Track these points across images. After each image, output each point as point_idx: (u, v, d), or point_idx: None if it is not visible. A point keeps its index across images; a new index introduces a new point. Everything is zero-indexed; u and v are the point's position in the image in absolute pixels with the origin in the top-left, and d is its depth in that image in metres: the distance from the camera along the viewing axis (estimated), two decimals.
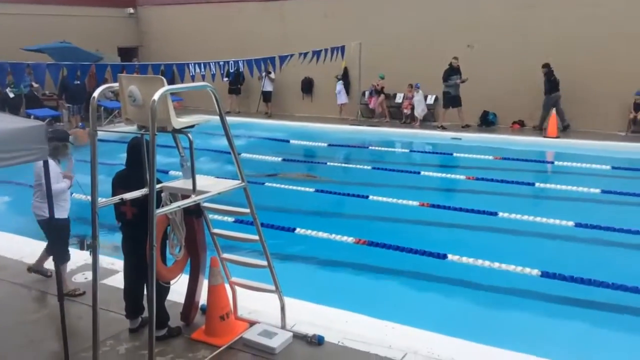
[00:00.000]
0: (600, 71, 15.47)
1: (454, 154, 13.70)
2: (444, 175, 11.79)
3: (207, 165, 11.63)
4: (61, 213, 5.72)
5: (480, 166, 12.53)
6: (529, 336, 5.41)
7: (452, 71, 16.67)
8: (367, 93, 19.05)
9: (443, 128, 16.78)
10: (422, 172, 11.89)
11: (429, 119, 18.10)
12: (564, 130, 15.77)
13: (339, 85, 19.18)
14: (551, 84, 15.87)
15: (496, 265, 6.77)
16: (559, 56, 15.85)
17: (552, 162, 13.22)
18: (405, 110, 18.11)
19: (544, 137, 15.16)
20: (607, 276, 6.36)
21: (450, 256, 7.04)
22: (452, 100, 16.83)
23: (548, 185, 10.64)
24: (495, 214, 8.70)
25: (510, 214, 8.63)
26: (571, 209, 9.16)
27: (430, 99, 18.23)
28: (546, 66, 15.85)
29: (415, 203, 9.39)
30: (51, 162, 5.24)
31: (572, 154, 12.97)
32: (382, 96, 18.58)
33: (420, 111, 17.58)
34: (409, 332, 5.08)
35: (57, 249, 5.55)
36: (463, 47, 17.24)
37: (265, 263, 4.85)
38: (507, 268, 6.70)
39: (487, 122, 16.95)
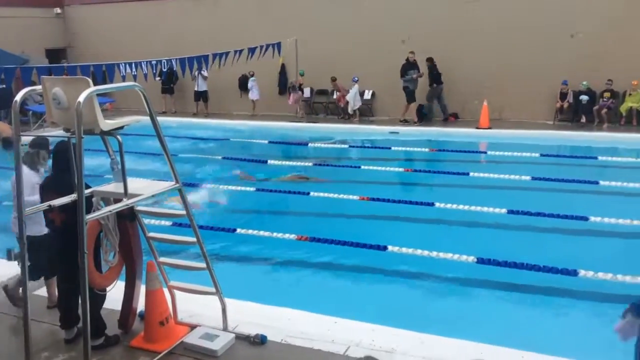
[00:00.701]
0: (529, 62, 16.08)
1: (392, 148, 13.93)
2: (383, 168, 11.95)
3: (150, 166, 11.29)
4: (39, 228, 5.17)
5: (417, 158, 12.81)
6: (467, 322, 5.57)
7: (410, 66, 16.80)
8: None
9: (406, 122, 16.88)
10: (362, 167, 12.04)
11: (367, 114, 18.32)
12: (445, 120, 17.01)
13: (251, 82, 19.26)
14: (434, 77, 16.83)
15: (434, 254, 6.93)
16: (491, 47, 16.40)
17: (485, 152, 13.64)
18: (340, 104, 18.27)
19: (477, 128, 15.64)
20: (539, 259, 6.63)
21: (390, 247, 7.15)
22: (412, 94, 16.96)
23: (481, 175, 10.96)
24: (432, 204, 8.91)
25: (446, 204, 8.86)
26: (504, 197, 9.47)
27: (368, 94, 18.45)
28: (430, 60, 16.74)
29: (356, 197, 9.49)
30: (27, 172, 4.96)
31: (504, 144, 13.42)
32: (300, 93, 18.74)
33: (352, 105, 17.76)
34: (351, 326, 5.13)
35: (33, 267, 4.92)
36: (398, 43, 17.53)
37: (204, 265, 4.78)
38: (444, 256, 6.88)
39: (422, 115, 17.30)
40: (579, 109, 15.67)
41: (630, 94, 15.30)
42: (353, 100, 17.70)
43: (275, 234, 7.77)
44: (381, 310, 5.79)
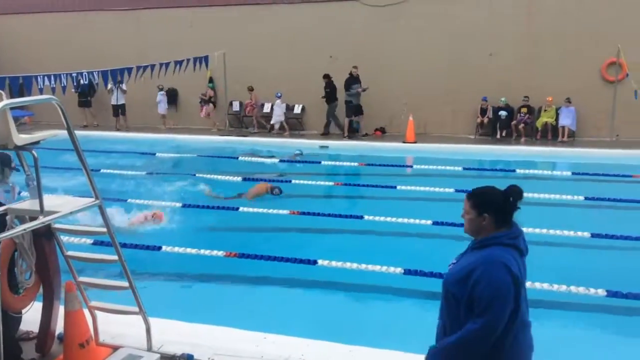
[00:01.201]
0: (451, 79, 16.73)
1: (322, 162, 14.05)
2: (312, 182, 12.01)
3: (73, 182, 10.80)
4: None
5: (346, 172, 12.98)
6: (395, 332, 5.65)
7: (353, 80, 16.93)
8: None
9: (349, 138, 17.02)
10: (293, 181, 12.04)
11: (297, 128, 18.42)
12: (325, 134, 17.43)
13: (160, 96, 19.10)
14: (328, 95, 17.14)
15: (363, 266, 7.00)
16: (415, 64, 16.94)
17: (411, 166, 14.01)
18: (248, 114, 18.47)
19: (403, 142, 16.04)
20: None
21: (320, 261, 7.16)
22: (354, 109, 17.10)
23: (408, 187, 11.23)
24: (362, 217, 9.04)
25: (375, 216, 9.01)
26: (429, 209, 9.74)
27: (298, 108, 18.56)
28: (326, 77, 17.06)
29: (286, 212, 9.47)
30: None
31: (428, 158, 13.85)
32: (211, 105, 18.74)
33: (276, 119, 17.83)
34: (281, 340, 5.09)
35: None
36: (326, 58, 17.78)
37: (126, 284, 4.61)
38: (373, 269, 6.96)
39: (352, 129, 17.56)
40: (498, 124, 16.42)
41: (545, 110, 16.20)
42: (276, 114, 17.82)
43: (202, 251, 7.61)
44: (311, 324, 5.78)
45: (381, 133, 17.59)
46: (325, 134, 17.55)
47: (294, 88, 17.99)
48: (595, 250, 7.78)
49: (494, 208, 3.00)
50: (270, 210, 9.52)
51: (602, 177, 11.75)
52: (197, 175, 12.36)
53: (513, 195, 3.01)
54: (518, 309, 2.89)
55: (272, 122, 18.01)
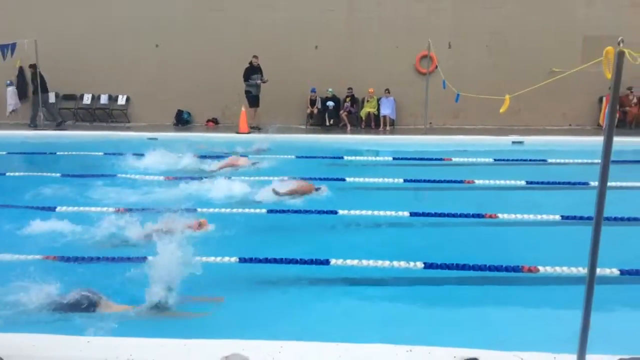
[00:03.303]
0: (281, 70, 17.01)
1: (147, 153, 13.46)
2: (140, 177, 11.44)
3: None
4: None
5: (175, 165, 12.58)
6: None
7: (253, 70, 16.36)
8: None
9: (258, 129, 16.43)
10: (119, 175, 11.38)
11: (122, 120, 17.47)
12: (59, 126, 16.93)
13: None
14: (36, 85, 16.77)
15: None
16: (243, 53, 16.92)
17: (246, 156, 13.96)
18: None
19: (237, 133, 16.00)
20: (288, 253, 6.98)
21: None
22: (254, 99, 16.53)
23: (240, 178, 11.19)
24: (195, 210, 8.80)
25: (210, 208, 8.86)
26: (261, 199, 9.80)
27: (122, 99, 17.60)
28: (33, 67, 16.57)
29: (111, 209, 8.92)
30: None
31: (264, 148, 13.98)
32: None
33: (10, 108, 17.23)
34: (107, 343, 4.77)
35: None
36: (152, 47, 17.07)
37: None
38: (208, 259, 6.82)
39: (182, 120, 17.10)
40: (327, 114, 17.10)
41: (367, 100, 17.20)
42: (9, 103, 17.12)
43: (17, 257, 6.87)
44: (139, 322, 5.49)
45: (214, 124, 17.35)
46: (33, 126, 16.76)
47: (118, 78, 17.01)
48: (414, 228, 8.43)
49: None
50: (92, 209, 8.91)
51: (419, 162, 12.78)
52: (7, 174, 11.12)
53: None
54: None
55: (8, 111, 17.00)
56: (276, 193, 9.62)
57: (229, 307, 5.87)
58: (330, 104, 17.00)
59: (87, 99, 17.60)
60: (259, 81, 16.65)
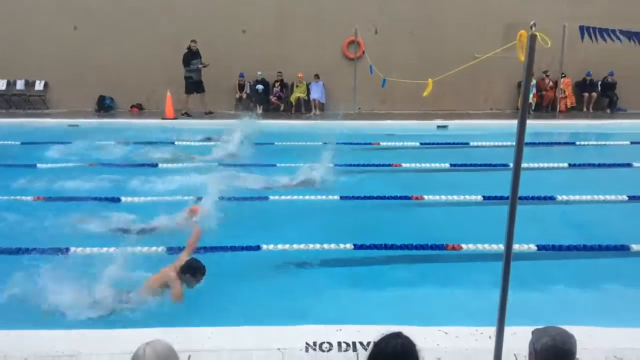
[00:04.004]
0: (209, 55, 16.61)
1: (74, 142, 12.93)
2: (63, 165, 10.96)
3: None
4: None
5: (101, 151, 12.16)
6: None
7: (192, 55, 15.75)
8: None
9: (188, 115, 15.83)
10: (38, 165, 10.86)
11: (40, 106, 16.65)
12: None
13: None
14: None
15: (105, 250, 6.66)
16: (172, 40, 16.46)
17: (173, 143, 13.66)
18: None
19: (163, 119, 15.61)
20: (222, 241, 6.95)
21: (73, 249, 6.62)
22: (194, 85, 15.98)
23: (171, 165, 10.99)
24: (119, 199, 8.58)
25: (133, 197, 8.63)
26: (198, 185, 9.65)
27: (40, 85, 16.76)
28: None
29: (30, 198, 8.52)
30: None
31: (191, 132, 13.82)
32: None
33: None
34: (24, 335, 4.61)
35: None
36: (70, 30, 16.32)
37: None
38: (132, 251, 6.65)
39: (104, 106, 16.48)
40: (255, 99, 16.91)
41: (297, 85, 17.18)
42: None
43: None
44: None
45: (138, 110, 16.84)
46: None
47: (34, 62, 16.15)
48: (344, 210, 8.56)
49: None
50: (12, 197, 8.47)
51: (350, 146, 12.89)
52: None
53: None
54: None
55: None
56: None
57: None
58: (260, 87, 16.85)
59: (1, 85, 16.62)
60: (200, 65, 16.22)
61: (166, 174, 10.43)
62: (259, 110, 16.72)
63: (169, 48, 16.35)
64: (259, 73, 16.88)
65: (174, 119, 15.64)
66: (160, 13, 16.58)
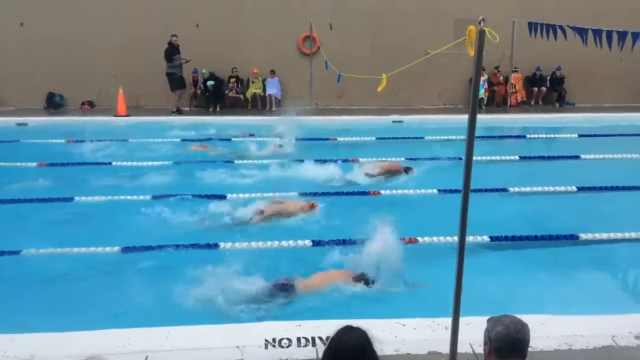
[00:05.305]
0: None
1: (21, 140, 12.53)
2: (10, 164, 10.60)
3: None
4: None
5: (52, 151, 11.82)
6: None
7: (174, 50, 15.37)
8: None
9: (179, 112, 15.52)
10: None
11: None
12: None
13: None
14: None
15: (75, 250, 6.50)
16: (125, 37, 16.06)
17: (126, 140, 13.37)
18: None
19: (115, 116, 15.27)
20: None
21: (25, 251, 6.44)
22: (179, 81, 15.71)
23: (125, 163, 10.77)
24: (72, 199, 8.38)
25: (87, 197, 8.46)
26: (149, 183, 9.49)
27: None
28: None
29: None
30: None
31: (143, 130, 13.59)
32: None
33: None
34: None
35: None
36: (17, 26, 15.77)
37: None
38: (87, 251, 6.52)
39: (54, 104, 15.99)
40: (209, 95, 16.68)
41: (253, 81, 17.06)
42: None
43: None
44: None
45: (89, 107, 16.41)
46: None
47: None
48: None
49: None
50: None
51: (308, 142, 12.87)
52: None
53: None
54: None
55: None
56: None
57: None
58: (210, 83, 16.56)
59: None
60: (182, 60, 15.87)
61: (120, 172, 10.22)
62: (211, 108, 16.52)
63: (119, 43, 15.98)
64: (204, 71, 16.54)
65: (126, 116, 15.31)
66: (108, 8, 16.16)
